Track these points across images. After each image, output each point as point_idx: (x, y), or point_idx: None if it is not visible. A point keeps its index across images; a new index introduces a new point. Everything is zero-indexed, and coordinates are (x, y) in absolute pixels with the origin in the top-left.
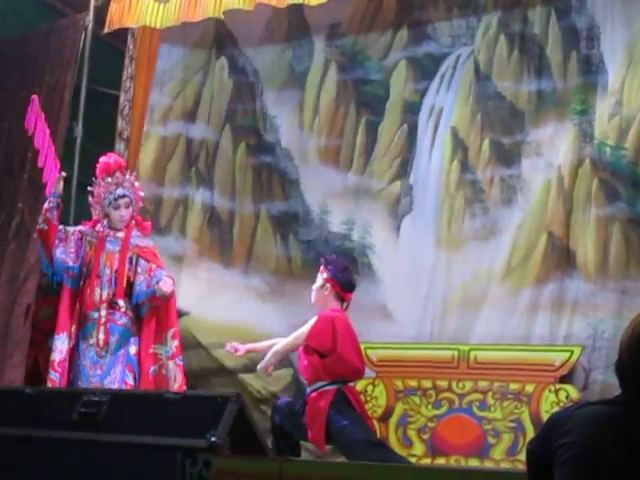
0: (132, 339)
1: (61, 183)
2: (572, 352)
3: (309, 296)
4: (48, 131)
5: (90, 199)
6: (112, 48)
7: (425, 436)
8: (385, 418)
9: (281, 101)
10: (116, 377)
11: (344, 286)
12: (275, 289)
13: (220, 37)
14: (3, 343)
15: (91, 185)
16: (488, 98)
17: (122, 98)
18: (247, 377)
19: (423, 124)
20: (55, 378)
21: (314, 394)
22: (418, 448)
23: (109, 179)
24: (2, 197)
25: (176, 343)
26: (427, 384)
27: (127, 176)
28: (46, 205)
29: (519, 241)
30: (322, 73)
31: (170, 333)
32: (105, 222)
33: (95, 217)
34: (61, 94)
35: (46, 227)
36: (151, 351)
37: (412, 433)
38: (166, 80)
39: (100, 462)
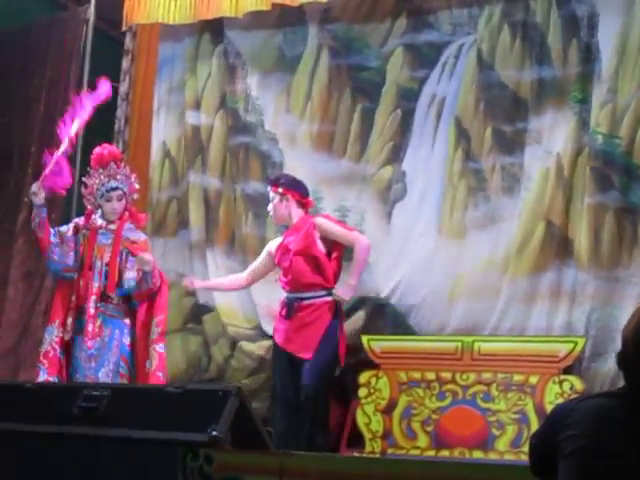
0: (125, 330)
1: (38, 194)
2: (576, 343)
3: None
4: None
5: (83, 190)
6: (114, 41)
7: (429, 428)
8: (389, 410)
9: (268, 84)
10: (110, 368)
11: (303, 192)
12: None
13: (212, 24)
14: (23, 342)
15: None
16: (491, 87)
17: (119, 91)
18: None
19: (422, 112)
20: (40, 369)
21: (316, 302)
22: (422, 440)
23: (102, 170)
24: (2, 192)
25: (159, 330)
26: (431, 376)
27: (121, 168)
28: (32, 215)
29: (519, 230)
30: (315, 58)
31: (155, 320)
32: (98, 214)
33: (89, 209)
34: (65, 88)
35: (37, 235)
36: (147, 343)
37: (416, 425)
38: (166, 74)
39: (101, 457)
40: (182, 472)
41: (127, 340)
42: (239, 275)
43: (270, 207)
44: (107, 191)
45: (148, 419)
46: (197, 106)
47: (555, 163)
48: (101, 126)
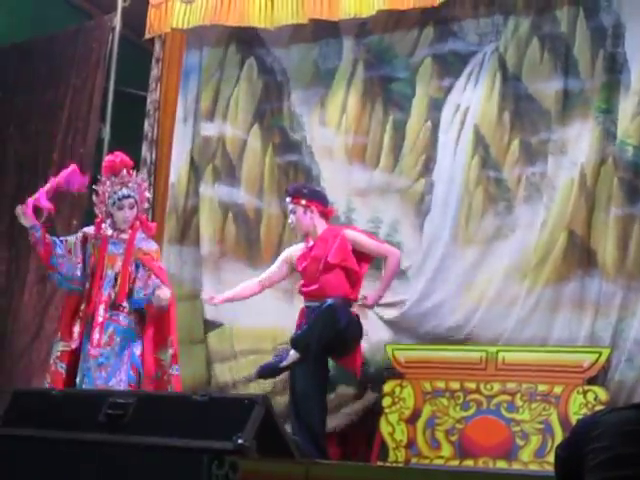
0: (137, 340)
1: (22, 216)
2: (600, 354)
3: None
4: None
5: (94, 198)
6: (140, 49)
7: (453, 438)
8: (413, 420)
9: (306, 99)
10: (121, 379)
11: (325, 202)
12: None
13: (243, 36)
14: (36, 344)
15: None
16: (519, 98)
17: (148, 100)
18: None
19: (447, 122)
20: (45, 384)
21: None
22: (446, 450)
23: (114, 178)
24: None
25: (171, 352)
26: (455, 385)
27: (133, 176)
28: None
29: (542, 239)
30: (350, 72)
31: (169, 341)
32: (109, 222)
33: (99, 217)
34: (90, 96)
35: (37, 252)
36: (155, 356)
37: (440, 435)
38: (189, 81)
39: (126, 464)
40: None
41: (138, 350)
42: (252, 281)
43: (292, 219)
44: (119, 199)
45: (174, 427)
46: (220, 117)
47: (579, 173)
48: (128, 135)
